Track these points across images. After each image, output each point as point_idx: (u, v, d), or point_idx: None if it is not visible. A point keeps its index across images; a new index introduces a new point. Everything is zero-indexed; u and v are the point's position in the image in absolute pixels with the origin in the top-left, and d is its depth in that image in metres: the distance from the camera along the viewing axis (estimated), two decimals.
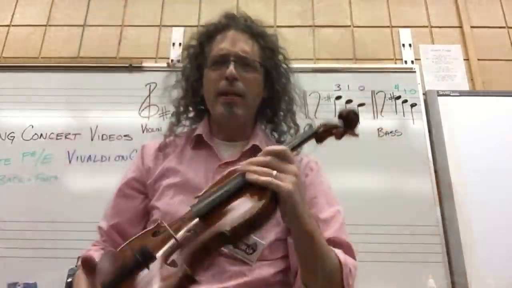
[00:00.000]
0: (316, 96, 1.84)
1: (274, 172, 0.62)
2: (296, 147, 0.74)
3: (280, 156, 0.65)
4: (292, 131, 1.00)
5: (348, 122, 0.77)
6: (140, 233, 0.70)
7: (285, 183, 0.62)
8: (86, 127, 1.81)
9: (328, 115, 1.78)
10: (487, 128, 1.74)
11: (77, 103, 1.85)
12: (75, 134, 1.80)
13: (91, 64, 1.94)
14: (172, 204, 0.84)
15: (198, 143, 0.94)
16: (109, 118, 1.80)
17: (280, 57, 1.03)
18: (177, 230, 0.64)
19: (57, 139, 1.80)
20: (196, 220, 0.64)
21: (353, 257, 0.82)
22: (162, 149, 0.95)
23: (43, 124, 1.82)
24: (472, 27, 2.03)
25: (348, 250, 0.82)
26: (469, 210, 1.60)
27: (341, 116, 0.78)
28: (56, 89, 1.87)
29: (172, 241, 0.62)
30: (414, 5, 2.10)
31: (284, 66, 1.03)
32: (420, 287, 1.50)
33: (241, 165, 0.66)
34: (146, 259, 0.59)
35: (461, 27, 2.04)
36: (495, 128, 1.73)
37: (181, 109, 1.01)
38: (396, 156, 1.70)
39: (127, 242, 0.68)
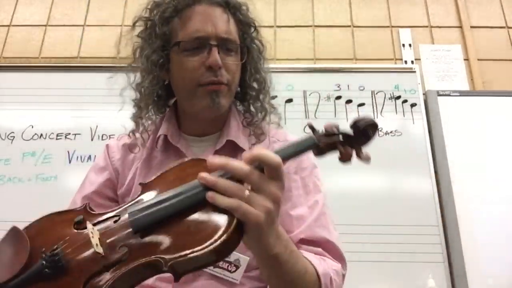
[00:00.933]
0: (316, 96, 1.84)
1: (246, 192, 0.49)
2: (288, 158, 0.57)
3: (268, 169, 0.51)
4: (259, 115, 0.86)
5: (360, 136, 0.60)
6: (62, 212, 0.58)
7: (256, 210, 0.49)
8: (86, 127, 1.81)
9: (328, 115, 1.78)
10: (487, 128, 1.74)
11: (77, 103, 1.85)
12: (75, 134, 1.81)
13: (91, 64, 1.94)
14: None
15: (166, 142, 0.82)
16: (109, 118, 1.81)
17: (253, 30, 0.87)
18: (105, 236, 0.51)
19: (57, 139, 1.80)
20: (131, 232, 0.50)
21: (336, 254, 0.73)
22: (130, 149, 0.84)
23: (43, 124, 1.82)
24: (472, 27, 2.03)
25: (327, 247, 0.72)
26: (469, 210, 1.60)
27: (355, 125, 0.60)
28: (56, 89, 1.87)
29: (94, 252, 0.49)
30: (414, 5, 2.10)
31: (259, 42, 0.88)
32: (420, 287, 1.50)
33: (211, 174, 0.52)
34: (55, 271, 0.47)
35: (461, 27, 2.03)
36: (495, 128, 1.73)
37: (143, 97, 0.84)
38: (396, 156, 1.70)
39: (40, 218, 0.56)
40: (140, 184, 0.59)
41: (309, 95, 1.84)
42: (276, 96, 1.72)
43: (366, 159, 0.61)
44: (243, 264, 0.70)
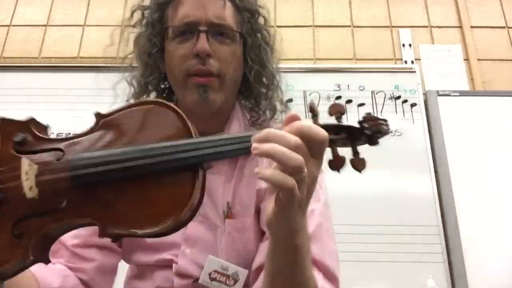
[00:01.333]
0: (316, 96, 1.84)
1: (305, 171, 0.43)
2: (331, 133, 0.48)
3: (313, 145, 0.45)
4: (268, 114, 0.81)
5: (364, 139, 0.51)
6: (5, 121, 0.51)
7: (301, 190, 0.44)
8: (86, 127, 1.81)
9: (328, 115, 1.78)
10: (487, 128, 1.74)
11: (77, 103, 1.84)
12: None
13: (91, 64, 1.94)
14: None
15: None
16: None
17: (261, 19, 0.82)
18: (42, 175, 0.45)
19: None
20: (71, 184, 0.44)
21: (327, 274, 0.66)
22: None
23: None
24: (472, 27, 2.03)
25: (317, 266, 0.64)
26: (469, 210, 1.60)
27: (365, 123, 0.50)
28: (56, 89, 1.87)
29: (25, 195, 0.44)
30: (414, 5, 2.10)
31: (265, 32, 0.82)
32: (420, 287, 1.50)
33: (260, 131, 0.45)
34: None
35: (461, 27, 2.03)
36: (495, 128, 1.73)
37: (139, 89, 0.80)
38: (396, 156, 1.69)
39: None
40: (97, 115, 0.52)
41: (309, 95, 1.84)
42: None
43: (361, 167, 0.50)
44: (241, 278, 0.68)
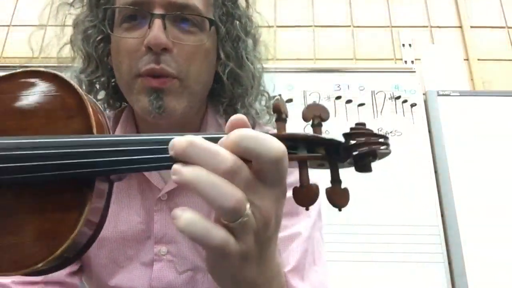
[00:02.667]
0: (316, 96, 1.84)
1: (246, 212, 0.29)
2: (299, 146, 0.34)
3: (261, 166, 0.30)
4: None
5: (347, 160, 0.35)
6: None
7: (244, 240, 0.31)
8: None
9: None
10: (487, 128, 1.74)
11: None
12: None
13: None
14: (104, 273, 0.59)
15: None
16: None
17: (240, 4, 0.63)
18: None
19: None
20: None
21: None
22: None
23: None
24: (472, 27, 2.03)
25: None
26: (469, 210, 1.60)
27: (352, 138, 0.35)
28: None
29: None
30: (414, 5, 2.10)
31: (245, 19, 0.63)
32: (420, 287, 1.50)
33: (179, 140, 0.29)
34: None
35: (461, 27, 2.03)
36: (495, 128, 1.73)
37: (83, 88, 0.62)
38: (396, 156, 1.70)
39: None
40: None
41: (309, 95, 1.84)
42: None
43: (341, 202, 0.35)
44: None
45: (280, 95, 0.41)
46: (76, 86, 0.35)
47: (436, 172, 1.67)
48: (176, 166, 0.29)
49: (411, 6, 2.10)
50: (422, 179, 1.66)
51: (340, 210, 0.35)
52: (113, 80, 0.62)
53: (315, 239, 0.60)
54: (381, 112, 1.80)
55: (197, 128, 0.63)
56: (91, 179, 0.32)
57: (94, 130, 0.34)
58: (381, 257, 1.54)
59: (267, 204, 0.31)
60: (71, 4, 0.63)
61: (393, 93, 1.84)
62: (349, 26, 2.06)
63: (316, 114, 0.37)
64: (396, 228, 1.58)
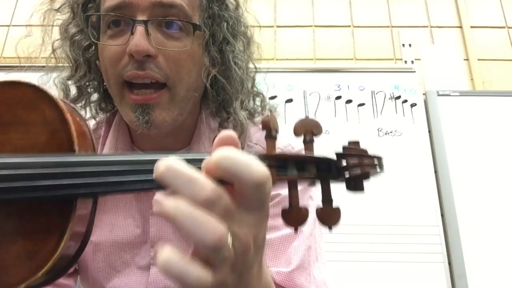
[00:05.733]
0: (316, 96, 1.84)
1: (226, 246, 0.28)
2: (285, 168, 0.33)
3: (246, 192, 0.29)
4: (237, 130, 0.59)
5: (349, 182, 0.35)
6: None
7: (221, 272, 0.29)
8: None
9: (328, 115, 1.78)
10: (487, 128, 1.74)
11: None
12: None
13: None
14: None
15: None
16: None
17: (229, 4, 0.60)
18: None
19: None
20: None
21: None
22: None
23: None
24: (472, 27, 2.03)
25: None
26: (469, 210, 1.60)
27: (344, 158, 0.34)
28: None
29: None
30: (414, 5, 2.10)
31: (233, 20, 0.60)
32: (420, 287, 1.50)
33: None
34: None
35: (461, 27, 2.03)
36: (495, 128, 1.73)
37: (72, 94, 0.61)
38: (396, 156, 1.70)
39: None
40: None
41: (309, 95, 1.84)
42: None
43: (332, 222, 0.33)
44: None
45: (270, 110, 0.40)
46: (57, 98, 0.34)
47: (436, 172, 1.67)
48: (157, 197, 0.28)
49: (411, 6, 2.10)
50: (422, 179, 1.66)
51: (330, 229, 0.33)
52: (104, 83, 0.60)
53: (316, 235, 0.60)
54: (381, 112, 1.80)
55: (189, 132, 0.61)
56: (72, 200, 0.31)
57: (76, 146, 0.32)
58: (381, 257, 1.54)
59: (246, 231, 0.30)
60: (58, 10, 0.61)
61: (393, 93, 1.84)
62: (349, 26, 2.06)
63: (308, 130, 0.34)
64: (396, 228, 1.58)
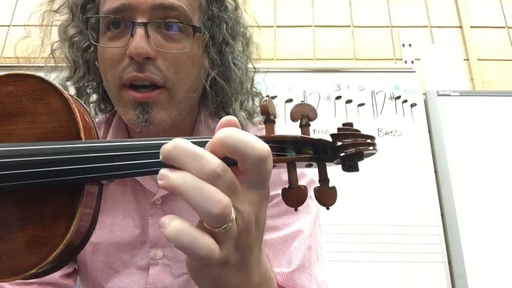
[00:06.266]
0: (316, 96, 1.84)
1: (231, 217, 0.30)
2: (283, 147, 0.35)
3: (245, 166, 0.30)
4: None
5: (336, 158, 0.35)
6: None
7: (225, 245, 0.30)
8: None
9: (328, 115, 1.78)
10: (487, 128, 1.74)
11: None
12: None
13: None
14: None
15: None
16: None
17: (228, 5, 0.60)
18: None
19: None
20: None
21: None
22: None
23: None
24: (472, 27, 2.03)
25: None
26: (469, 210, 1.60)
27: (339, 139, 0.35)
28: None
29: None
30: (414, 5, 2.10)
31: (232, 21, 0.60)
32: (420, 287, 1.50)
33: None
34: None
35: (461, 27, 2.03)
36: (495, 128, 1.73)
37: (76, 93, 0.61)
38: (396, 156, 1.70)
39: None
40: None
41: (309, 95, 1.84)
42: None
43: (329, 201, 0.35)
44: None
45: (268, 96, 0.40)
46: (62, 89, 0.35)
47: (436, 172, 1.67)
48: (163, 171, 0.29)
49: (411, 6, 2.10)
50: (422, 179, 1.66)
51: (328, 208, 0.35)
52: (103, 84, 0.60)
53: (316, 235, 0.60)
54: (381, 112, 1.80)
55: (188, 132, 0.62)
56: (81, 184, 0.32)
57: (82, 133, 0.34)
58: (381, 257, 1.54)
59: (248, 208, 0.31)
60: (57, 11, 0.62)
61: (393, 93, 1.84)
62: (349, 26, 2.06)
63: (304, 114, 0.36)
64: (396, 228, 1.58)
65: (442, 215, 1.60)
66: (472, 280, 1.49)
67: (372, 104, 1.82)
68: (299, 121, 0.36)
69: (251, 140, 0.30)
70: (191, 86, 0.56)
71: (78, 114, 0.34)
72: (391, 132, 1.76)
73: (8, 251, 0.31)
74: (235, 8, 0.62)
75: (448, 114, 1.76)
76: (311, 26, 2.06)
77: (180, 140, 0.30)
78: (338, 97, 1.84)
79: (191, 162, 0.29)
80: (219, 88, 0.60)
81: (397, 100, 1.83)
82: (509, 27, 2.04)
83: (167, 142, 0.30)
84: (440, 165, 1.68)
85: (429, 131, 1.75)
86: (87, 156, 0.31)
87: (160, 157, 0.30)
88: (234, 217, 0.30)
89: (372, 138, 0.36)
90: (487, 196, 1.61)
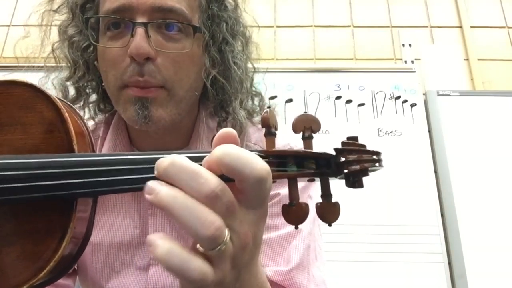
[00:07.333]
0: (316, 96, 1.84)
1: (226, 235, 0.28)
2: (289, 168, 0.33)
3: (243, 187, 0.30)
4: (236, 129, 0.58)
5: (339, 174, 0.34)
6: None
7: (220, 268, 0.29)
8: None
9: (328, 115, 1.78)
10: (487, 128, 1.74)
11: None
12: None
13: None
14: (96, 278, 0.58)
15: None
16: None
17: (228, 4, 0.60)
18: None
19: None
20: None
21: None
22: None
23: None
24: (472, 27, 2.03)
25: None
26: (469, 210, 1.60)
27: (343, 155, 0.34)
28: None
29: None
30: (414, 5, 2.10)
31: (232, 20, 0.60)
32: (420, 287, 1.50)
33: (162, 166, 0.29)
34: None
35: (461, 27, 2.03)
36: (495, 128, 1.73)
37: (70, 95, 0.61)
38: (396, 156, 1.70)
39: None
40: None
41: (309, 95, 1.84)
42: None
43: (331, 217, 0.34)
44: None
45: (269, 107, 0.40)
46: (55, 98, 0.33)
47: (436, 172, 1.67)
48: (151, 184, 0.28)
49: (411, 6, 2.10)
50: (422, 179, 1.66)
51: (330, 225, 0.34)
52: (102, 84, 0.60)
53: (315, 234, 0.59)
54: (381, 112, 1.80)
55: (188, 131, 0.61)
56: (72, 198, 0.31)
57: (75, 144, 0.32)
58: (381, 257, 1.54)
59: (246, 228, 0.30)
60: (56, 11, 0.61)
61: (393, 93, 1.84)
62: (349, 26, 2.06)
63: (306, 126, 0.35)
64: (396, 228, 1.58)
65: (442, 215, 1.60)
66: (472, 280, 1.49)
67: (372, 104, 1.82)
68: (301, 133, 0.35)
69: (250, 160, 0.29)
70: (191, 85, 0.56)
71: (71, 124, 0.33)
72: (391, 132, 1.76)
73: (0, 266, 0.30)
74: (234, 7, 0.63)
75: (448, 114, 1.76)
76: (311, 26, 2.06)
77: (177, 157, 0.28)
78: (338, 97, 1.84)
79: (188, 181, 0.28)
80: (219, 87, 0.60)
81: (397, 100, 1.82)
82: (509, 27, 2.04)
83: (162, 157, 0.29)
84: (440, 165, 1.68)
85: (429, 131, 1.75)
86: (78, 171, 0.30)
87: (155, 172, 0.28)
88: (228, 239, 0.28)
89: (377, 154, 0.35)
90: (487, 196, 1.61)
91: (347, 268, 1.52)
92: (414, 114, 1.79)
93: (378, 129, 1.76)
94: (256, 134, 0.64)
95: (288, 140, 0.61)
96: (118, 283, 0.59)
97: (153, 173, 0.29)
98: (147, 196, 0.28)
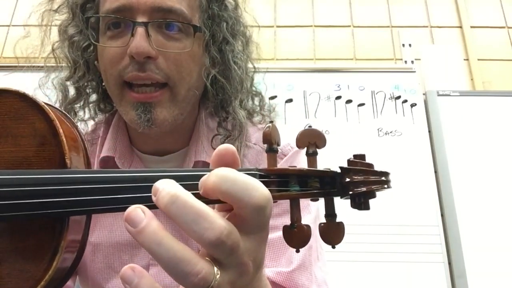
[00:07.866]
0: (316, 96, 1.84)
1: (215, 278, 0.26)
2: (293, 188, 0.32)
3: (246, 214, 0.28)
4: (236, 130, 0.59)
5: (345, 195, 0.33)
6: None
7: None
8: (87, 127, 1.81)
9: (328, 115, 1.78)
10: (487, 128, 1.74)
11: None
12: None
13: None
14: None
15: (114, 165, 0.58)
16: None
17: (228, 4, 0.60)
18: None
19: None
20: None
21: None
22: None
23: None
24: (472, 27, 2.03)
25: None
26: (469, 210, 1.60)
27: (348, 175, 0.32)
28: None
29: None
30: (414, 5, 2.10)
31: (233, 20, 0.60)
32: (420, 287, 1.50)
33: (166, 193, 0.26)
34: None
35: (461, 27, 2.03)
36: (495, 128, 1.73)
37: (70, 95, 0.61)
38: (396, 156, 1.69)
39: None
40: None
41: (309, 95, 1.84)
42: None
43: (336, 239, 0.33)
44: None
45: (272, 121, 0.35)
46: (47, 108, 0.32)
47: (436, 172, 1.67)
48: (135, 217, 0.25)
49: (411, 6, 2.10)
50: (422, 179, 1.66)
51: (333, 247, 0.32)
52: (103, 84, 0.60)
53: (317, 235, 0.58)
54: (381, 112, 1.80)
55: (188, 132, 0.61)
56: (65, 216, 0.29)
57: (67, 158, 0.31)
58: (381, 257, 1.54)
59: (246, 258, 0.28)
60: (56, 11, 0.61)
61: (393, 93, 1.84)
62: (349, 26, 2.06)
63: (311, 142, 0.32)
64: (396, 228, 1.58)
65: (442, 215, 1.60)
66: (472, 280, 1.49)
67: (372, 104, 1.82)
68: (305, 149, 0.33)
69: (248, 187, 0.27)
70: (192, 84, 0.56)
71: (64, 136, 0.31)
72: (391, 132, 1.76)
73: None
74: (235, 7, 0.63)
75: (448, 114, 1.76)
76: (311, 26, 2.06)
77: (179, 191, 0.26)
78: (338, 97, 1.84)
79: (191, 224, 0.25)
80: (219, 87, 0.60)
81: (397, 100, 1.82)
82: (509, 27, 2.04)
83: (157, 175, 0.27)
84: (440, 165, 1.68)
85: (429, 131, 1.75)
86: (70, 188, 0.28)
87: (153, 198, 0.26)
88: (218, 277, 0.26)
89: (386, 175, 0.33)
90: (487, 196, 1.61)
91: (347, 268, 1.52)
92: (414, 114, 1.79)
93: (378, 129, 1.76)
94: (256, 134, 0.64)
95: (288, 140, 0.61)
96: (118, 283, 0.59)
97: (145, 193, 0.27)
98: (127, 227, 0.26)
